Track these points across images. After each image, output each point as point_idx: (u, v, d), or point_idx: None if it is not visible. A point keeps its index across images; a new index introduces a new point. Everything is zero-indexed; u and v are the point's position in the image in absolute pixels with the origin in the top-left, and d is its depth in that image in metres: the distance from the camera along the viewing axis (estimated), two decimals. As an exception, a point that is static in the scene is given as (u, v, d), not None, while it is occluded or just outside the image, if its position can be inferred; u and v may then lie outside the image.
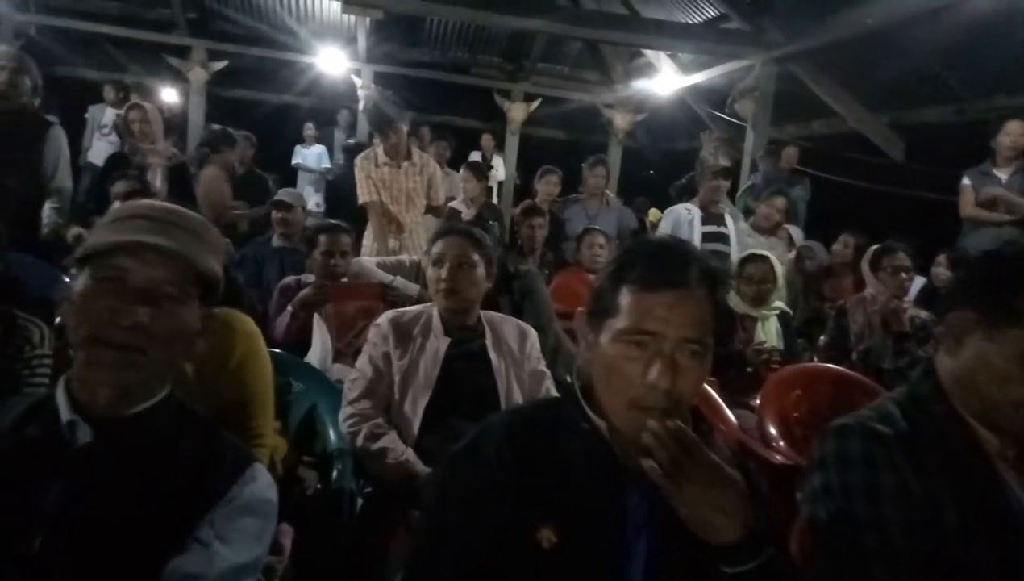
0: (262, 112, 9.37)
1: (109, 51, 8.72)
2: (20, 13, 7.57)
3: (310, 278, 2.95)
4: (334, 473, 1.84)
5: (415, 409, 1.92)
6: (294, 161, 8.33)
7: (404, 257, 3.43)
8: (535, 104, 9.06)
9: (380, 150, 4.02)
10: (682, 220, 4.14)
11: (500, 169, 8.78)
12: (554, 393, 2.02)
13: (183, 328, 1.01)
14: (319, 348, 2.68)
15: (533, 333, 2.12)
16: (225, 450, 1.06)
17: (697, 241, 4.01)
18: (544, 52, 8.74)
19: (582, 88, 9.46)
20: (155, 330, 0.96)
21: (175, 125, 6.45)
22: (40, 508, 0.93)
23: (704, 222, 4.11)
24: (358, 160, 4.03)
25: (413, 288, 3.11)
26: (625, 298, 1.00)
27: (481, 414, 1.82)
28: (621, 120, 9.00)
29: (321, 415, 2.06)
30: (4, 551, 0.91)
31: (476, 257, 2.06)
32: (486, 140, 8.81)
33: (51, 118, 3.55)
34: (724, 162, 4.41)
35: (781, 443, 2.25)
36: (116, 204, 2.71)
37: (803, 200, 6.30)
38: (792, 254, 4.63)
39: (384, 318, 2.04)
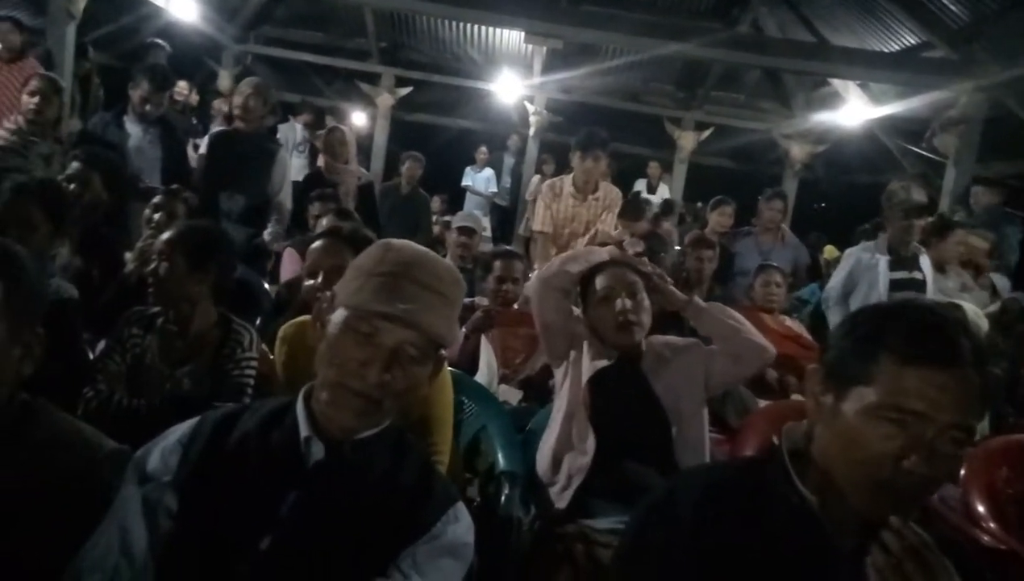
0: (439, 135, 9.89)
1: (309, 76, 9.59)
2: (240, 44, 8.54)
3: (483, 301, 3.04)
4: (502, 499, 1.86)
5: (583, 433, 1.90)
6: (464, 182, 8.69)
7: None
8: (707, 133, 8.85)
9: (568, 180, 3.99)
10: (863, 264, 3.80)
11: (665, 197, 8.65)
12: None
13: (419, 383, 1.07)
14: (486, 370, 2.75)
15: (700, 369, 2.04)
16: (435, 484, 1.10)
17: (884, 290, 3.70)
18: (720, 80, 8.53)
19: (758, 117, 9.13)
20: (395, 386, 1.03)
21: (362, 147, 6.96)
22: (275, 512, 1.01)
23: (893, 267, 3.76)
24: (543, 187, 4.07)
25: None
26: (884, 368, 0.90)
27: (650, 451, 1.82)
28: (799, 151, 8.56)
29: (489, 436, 2.11)
30: (239, 544, 1.00)
31: (642, 286, 2.02)
32: (652, 168, 8.73)
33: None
34: (920, 198, 4.01)
35: (991, 524, 2.00)
36: (322, 222, 2.93)
37: (1014, 244, 5.62)
38: (995, 306, 4.14)
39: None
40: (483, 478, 2.07)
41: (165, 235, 1.99)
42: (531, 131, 8.58)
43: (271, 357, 2.11)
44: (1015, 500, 2.10)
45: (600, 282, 2.02)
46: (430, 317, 1.02)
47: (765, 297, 3.69)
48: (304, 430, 1.05)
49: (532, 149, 8.66)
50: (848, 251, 4.02)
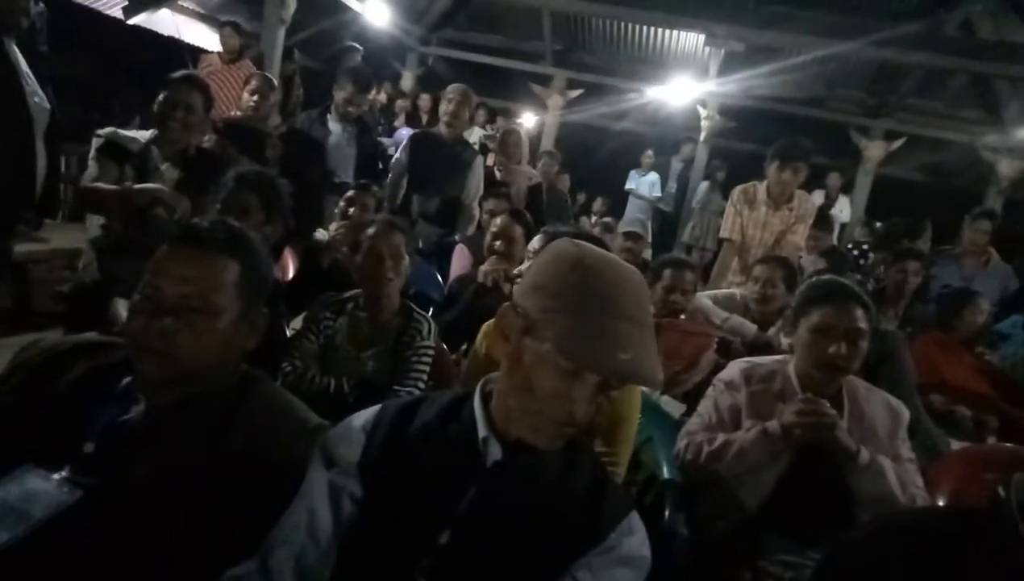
0: (606, 138, 9.87)
1: (485, 78, 9.91)
2: (424, 46, 9.01)
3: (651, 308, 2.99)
4: (665, 512, 1.82)
5: (760, 476, 1.79)
6: (627, 185, 8.60)
7: (735, 291, 3.33)
8: (898, 143, 8.15)
9: (762, 188, 3.85)
10: None
11: (845, 211, 8.08)
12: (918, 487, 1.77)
13: (608, 407, 1.05)
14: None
15: (905, 413, 1.85)
16: (610, 494, 1.09)
17: None
18: (918, 86, 7.82)
19: (960, 128, 8.26)
20: (598, 416, 1.03)
21: (530, 148, 7.08)
22: (454, 507, 1.03)
23: None
24: (735, 193, 3.95)
25: (749, 328, 2.99)
26: None
27: (835, 495, 1.69)
28: (1007, 167, 7.66)
29: (653, 447, 2.07)
30: (419, 537, 1.03)
31: (864, 326, 1.79)
32: (832, 179, 8.17)
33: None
34: None
35: None
36: (495, 221, 3.02)
37: None
38: None
39: (735, 367, 1.96)
40: (641, 489, 2.04)
41: (375, 230, 2.12)
42: (702, 136, 8.33)
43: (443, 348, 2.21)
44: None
45: (820, 314, 1.81)
46: (648, 364, 0.97)
47: (971, 329, 3.31)
48: (482, 430, 1.07)
49: (702, 154, 8.40)
50: None
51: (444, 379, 2.17)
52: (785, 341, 2.56)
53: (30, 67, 2.97)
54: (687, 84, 8.10)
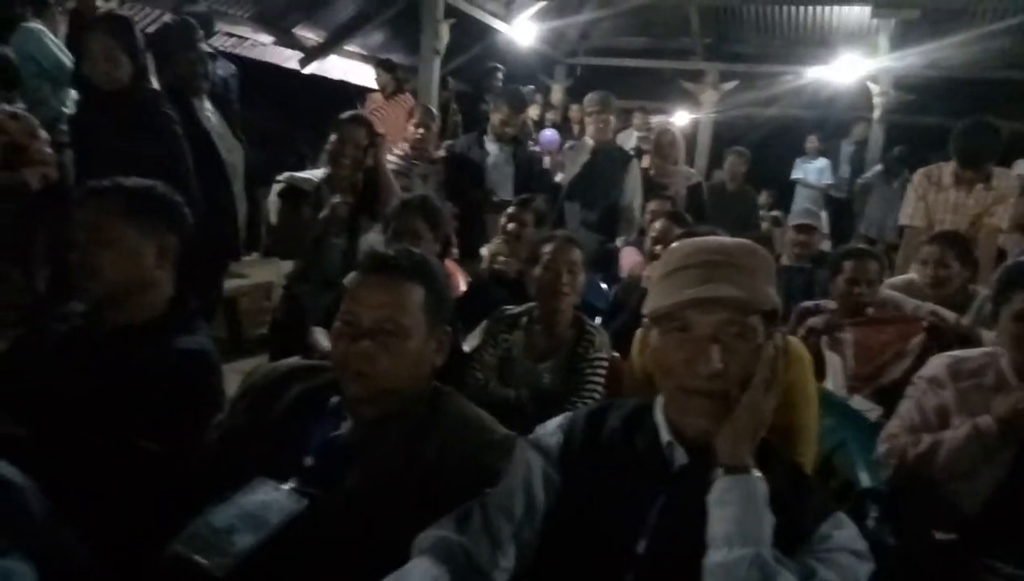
0: (765, 128, 9.41)
1: (634, 80, 9.82)
2: (570, 57, 9.10)
3: (829, 304, 2.81)
4: (869, 522, 1.70)
5: (977, 480, 1.63)
6: (793, 175, 8.13)
7: (913, 276, 3.03)
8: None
9: (948, 168, 3.52)
10: None
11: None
12: None
13: (754, 362, 1.03)
14: (830, 379, 2.55)
15: None
16: (811, 492, 1.06)
17: None
18: None
19: None
20: (731, 372, 1.01)
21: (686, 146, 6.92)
22: (645, 515, 1.04)
23: None
24: (916, 176, 3.64)
25: (947, 314, 2.72)
26: None
27: None
28: None
29: (847, 452, 1.94)
30: (616, 546, 1.04)
31: None
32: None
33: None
34: None
35: None
36: (655, 225, 2.99)
37: None
38: None
39: (939, 363, 1.79)
40: (835, 496, 1.91)
41: (554, 245, 2.18)
42: (875, 114, 7.69)
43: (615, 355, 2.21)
44: None
45: (1020, 300, 1.66)
46: (727, 288, 1.01)
47: None
48: (665, 435, 1.08)
49: (877, 134, 7.75)
50: None
51: (620, 388, 2.17)
52: (987, 334, 2.31)
53: (226, 121, 3.38)
54: (854, 61, 7.53)
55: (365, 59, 7.74)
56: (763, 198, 8.10)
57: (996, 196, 3.36)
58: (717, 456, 1.00)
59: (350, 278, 1.35)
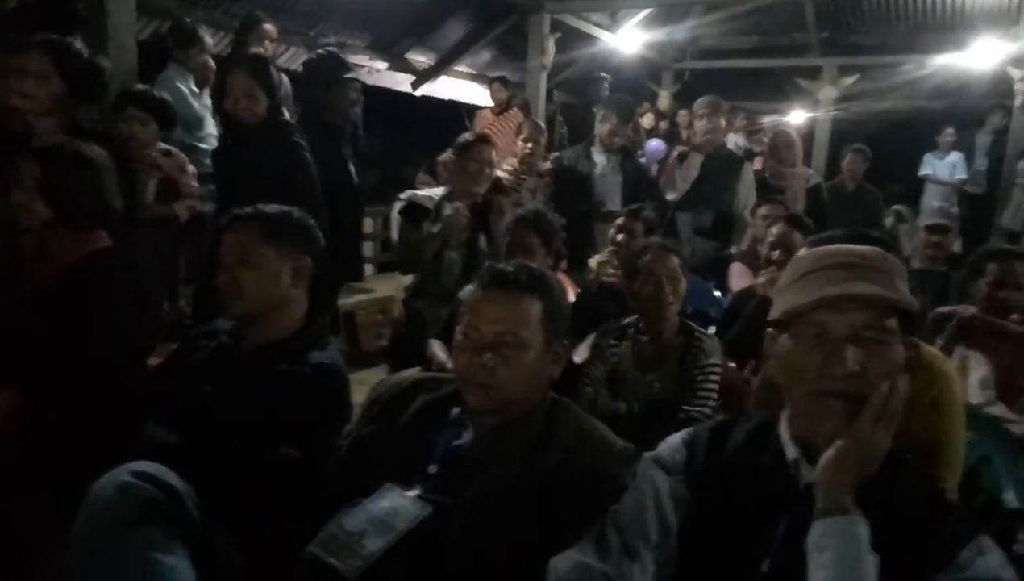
0: (890, 122, 8.87)
1: (744, 81, 9.52)
2: (678, 63, 8.96)
3: (969, 310, 2.62)
4: (1019, 546, 1.58)
5: None
6: (922, 172, 7.60)
7: None
8: None
9: None
10: None
11: None
12: None
13: (895, 367, 0.99)
14: (977, 389, 2.37)
15: None
16: (948, 514, 1.01)
17: None
18: None
19: None
20: (869, 374, 0.97)
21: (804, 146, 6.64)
22: (771, 534, 1.02)
23: None
24: None
25: None
26: None
27: None
28: None
29: (995, 468, 1.81)
30: (740, 565, 1.03)
31: None
32: None
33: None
34: None
35: None
36: (772, 230, 2.90)
37: None
38: None
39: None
40: (980, 515, 1.78)
41: (651, 255, 2.19)
42: (1017, 101, 7.07)
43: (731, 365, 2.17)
44: None
45: None
46: (862, 286, 0.99)
47: None
48: (791, 452, 1.05)
49: (1020, 122, 7.12)
50: None
51: (735, 398, 2.12)
52: None
53: (353, 146, 3.61)
54: (992, 44, 6.96)
55: (473, 77, 7.95)
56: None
57: None
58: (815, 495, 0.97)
59: (468, 292, 1.41)
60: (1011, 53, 6.90)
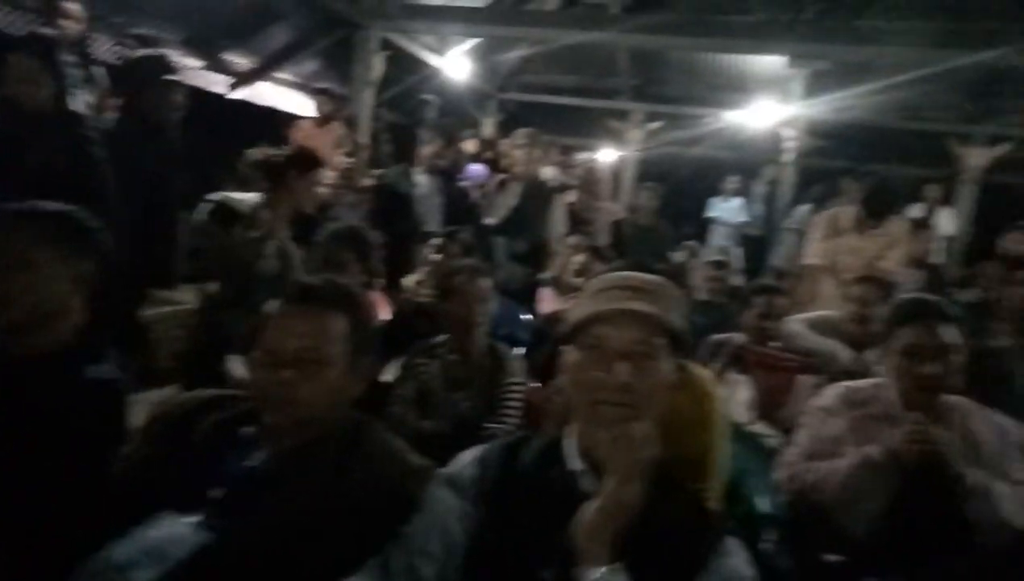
0: (687, 166, 9.79)
1: (562, 117, 10.06)
2: (502, 92, 9.29)
3: (740, 337, 2.96)
4: (766, 546, 1.79)
5: (866, 504, 1.74)
6: (709, 214, 8.49)
7: (830, 313, 3.23)
8: (1003, 148, 7.69)
9: (847, 215, 3.77)
10: None
11: (948, 223, 7.66)
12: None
13: (661, 382, 1.10)
14: (742, 406, 2.67)
15: (1016, 433, 1.77)
16: (704, 521, 1.11)
17: None
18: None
19: (1073, 126, 7.73)
20: (640, 387, 1.07)
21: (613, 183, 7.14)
22: (551, 544, 1.06)
23: None
24: (819, 219, 3.88)
25: (843, 352, 2.90)
26: None
27: (944, 520, 1.62)
28: None
29: (748, 478, 2.04)
30: (521, 576, 1.07)
31: (953, 342, 1.76)
32: (931, 190, 7.77)
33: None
34: None
35: None
36: (576, 257, 3.09)
37: None
38: None
39: (832, 393, 1.92)
40: (741, 524, 2.00)
41: (462, 276, 2.23)
42: (787, 157, 8.13)
43: (534, 386, 2.27)
44: None
45: (907, 335, 1.79)
46: (637, 305, 1.09)
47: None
48: (574, 463, 1.12)
49: (789, 176, 8.19)
50: None
51: (537, 416, 2.22)
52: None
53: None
54: (769, 107, 7.96)
55: (297, 87, 7.69)
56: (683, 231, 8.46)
57: (889, 241, 3.62)
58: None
59: (271, 306, 1.35)
60: (783, 116, 7.93)
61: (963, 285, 4.57)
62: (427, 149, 4.25)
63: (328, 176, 4.01)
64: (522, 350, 2.96)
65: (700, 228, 8.50)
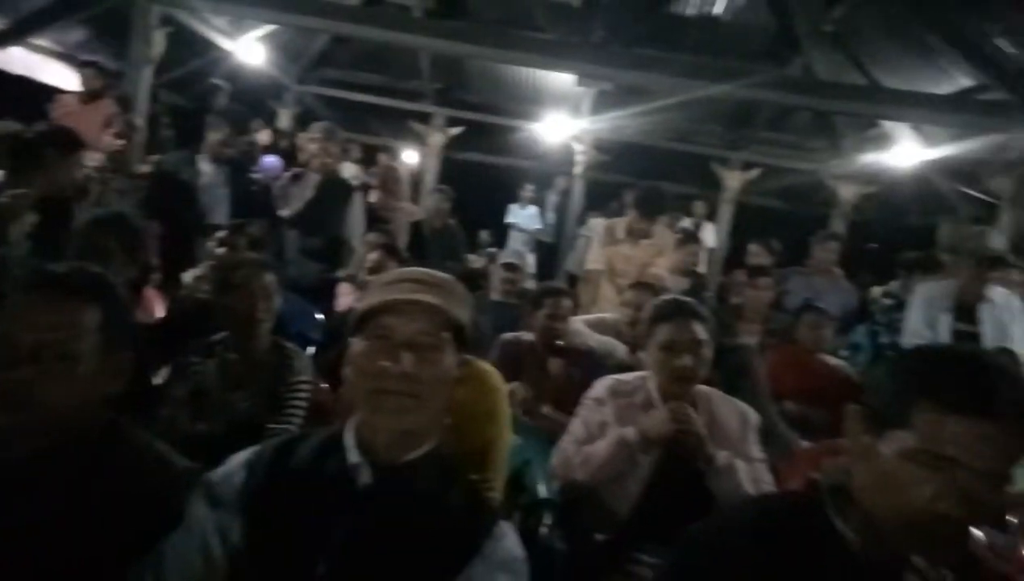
0: (488, 173, 10.10)
1: (365, 116, 9.92)
2: (301, 85, 8.93)
3: (528, 336, 3.10)
4: (542, 529, 1.90)
5: (627, 485, 1.92)
6: (507, 220, 8.84)
7: (607, 315, 3.52)
8: (754, 172, 8.84)
9: (621, 224, 4.07)
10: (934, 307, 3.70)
11: (710, 236, 8.65)
12: (767, 483, 1.94)
13: (444, 373, 1.12)
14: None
15: (754, 417, 2.04)
16: (479, 506, 1.15)
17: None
18: (769, 120, 8.54)
19: (807, 158, 9.08)
20: (422, 376, 1.08)
21: (413, 185, 7.17)
22: (327, 538, 1.06)
23: (957, 318, 3.59)
24: (600, 228, 4.16)
25: (619, 349, 3.16)
26: (923, 415, 0.92)
27: (696, 496, 1.83)
28: (847, 192, 8.48)
29: (533, 468, 2.16)
30: (297, 571, 1.05)
31: (704, 338, 1.99)
32: (698, 207, 8.74)
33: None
34: (995, 246, 3.82)
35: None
36: (371, 254, 3.06)
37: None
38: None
39: (602, 384, 2.09)
40: (525, 512, 2.11)
41: (244, 270, 2.11)
42: (577, 170, 8.70)
43: (323, 386, 2.21)
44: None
45: (665, 331, 1.99)
46: (423, 296, 1.11)
47: (814, 339, 3.65)
48: (352, 457, 1.11)
49: (578, 187, 8.77)
50: (920, 288, 3.89)
51: (326, 417, 2.17)
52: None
53: None
54: (562, 121, 8.45)
55: (60, 57, 6.82)
56: (484, 237, 8.72)
57: (657, 250, 4.02)
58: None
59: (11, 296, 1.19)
60: (574, 131, 8.47)
61: (720, 291, 5.18)
62: (214, 136, 3.97)
63: (94, 158, 3.61)
64: (313, 349, 2.89)
65: (501, 233, 8.83)
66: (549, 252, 8.83)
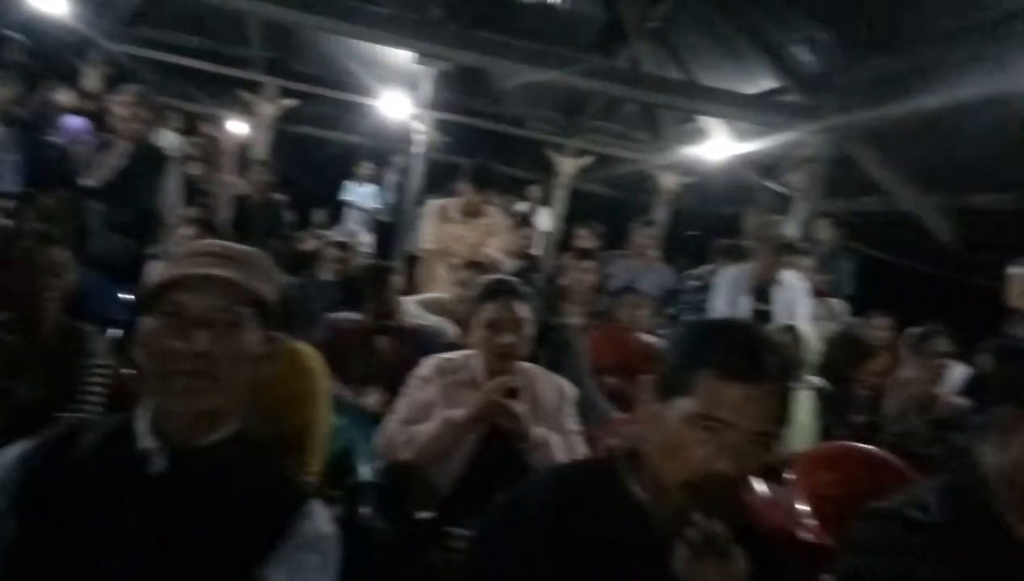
0: (324, 149, 9.74)
1: (185, 81, 9.18)
2: (113, 42, 8.09)
3: (356, 315, 3.05)
4: (363, 509, 1.89)
5: (449, 462, 1.95)
6: (343, 197, 8.60)
7: (440, 295, 3.56)
8: (586, 160, 9.22)
9: (454, 204, 4.07)
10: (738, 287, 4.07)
11: (545, 220, 8.94)
12: (581, 453, 2.05)
13: (244, 351, 1.06)
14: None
15: (572, 391, 2.15)
16: (284, 487, 1.12)
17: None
18: (599, 111, 8.93)
19: (633, 148, 9.61)
20: (217, 354, 1.03)
21: (241, 157, 6.76)
22: (113, 530, 1.00)
23: (755, 297, 4.02)
24: (432, 208, 4.12)
25: (450, 328, 3.21)
26: (700, 382, 1.00)
27: (514, 470, 1.90)
28: (669, 181, 9.10)
29: (355, 450, 2.14)
30: (81, 565, 0.98)
31: (526, 317, 2.06)
32: (533, 191, 9.00)
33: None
34: (789, 235, 4.28)
35: (811, 521, 2.24)
36: (185, 229, 2.87)
37: (849, 275, 6.26)
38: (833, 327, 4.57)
39: (429, 363, 2.11)
40: (349, 494, 2.09)
41: (26, 242, 1.89)
42: (417, 149, 8.62)
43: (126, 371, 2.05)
44: (835, 501, 2.36)
45: (488, 311, 2.05)
46: (219, 270, 1.05)
47: (630, 318, 3.92)
48: (144, 442, 1.05)
49: (418, 167, 8.70)
50: (725, 272, 4.26)
51: (129, 403, 2.01)
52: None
53: None
54: (400, 98, 8.32)
55: None
56: (320, 217, 8.42)
57: (488, 230, 4.10)
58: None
59: None
60: (414, 109, 8.37)
61: (552, 273, 5.39)
62: (3, 93, 3.51)
63: None
64: (118, 331, 2.67)
65: (336, 210, 8.56)
66: (388, 232, 8.70)
